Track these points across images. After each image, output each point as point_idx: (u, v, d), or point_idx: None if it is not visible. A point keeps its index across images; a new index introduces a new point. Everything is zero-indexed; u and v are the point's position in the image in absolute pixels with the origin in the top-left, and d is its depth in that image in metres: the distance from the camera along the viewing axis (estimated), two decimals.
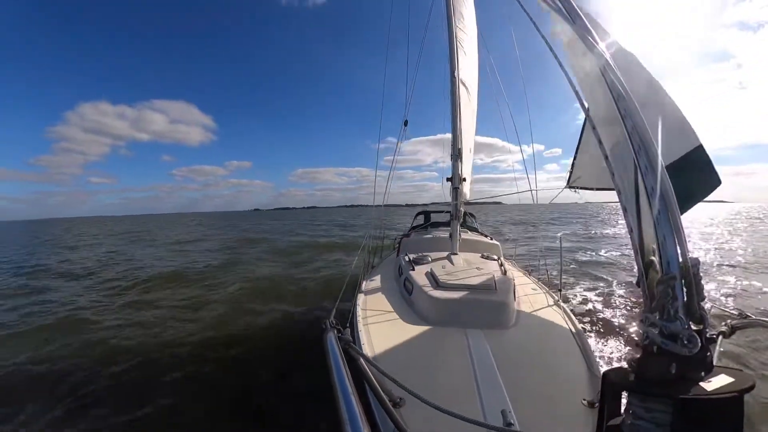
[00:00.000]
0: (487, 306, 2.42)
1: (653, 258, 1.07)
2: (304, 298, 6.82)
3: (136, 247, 18.41)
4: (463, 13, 5.11)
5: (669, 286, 0.98)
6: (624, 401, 1.03)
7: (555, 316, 2.63)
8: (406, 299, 2.85)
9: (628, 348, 3.97)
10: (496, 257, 3.77)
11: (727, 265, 9.20)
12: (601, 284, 7.30)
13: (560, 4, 1.42)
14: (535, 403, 1.61)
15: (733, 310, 1.76)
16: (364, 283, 3.47)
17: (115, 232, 34.58)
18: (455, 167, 4.32)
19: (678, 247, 1.01)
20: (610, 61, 1.21)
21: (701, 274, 1.01)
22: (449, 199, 4.38)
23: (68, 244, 20.77)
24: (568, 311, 2.68)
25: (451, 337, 2.18)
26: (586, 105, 1.31)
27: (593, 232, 19.25)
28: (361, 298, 2.94)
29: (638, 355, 1.02)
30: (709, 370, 0.95)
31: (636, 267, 1.12)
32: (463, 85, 4.59)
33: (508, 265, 3.44)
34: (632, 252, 1.14)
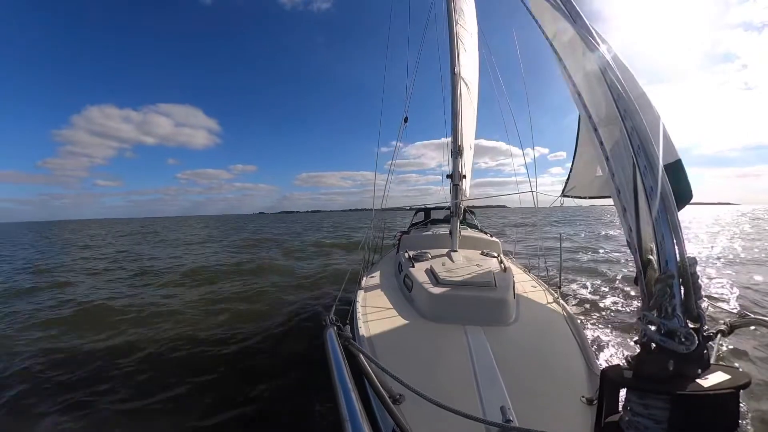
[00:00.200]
0: (487, 303, 2.43)
1: (651, 257, 1.08)
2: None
3: (163, 247, 18.80)
4: (464, 9, 5.10)
5: (667, 284, 0.99)
6: (622, 398, 1.04)
7: (554, 313, 2.65)
8: (406, 296, 2.86)
9: (626, 345, 4.00)
10: (495, 254, 3.77)
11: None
12: (601, 282, 7.32)
13: (561, 3, 1.42)
14: (534, 400, 1.62)
15: (732, 309, 1.78)
16: (364, 279, 3.49)
17: (127, 232, 35.69)
18: (455, 164, 4.32)
19: (676, 246, 1.02)
20: (611, 61, 1.22)
21: (698, 273, 1.03)
22: (450, 199, 4.38)
23: (104, 246, 20.29)
24: (568, 308, 2.70)
25: (451, 334, 2.19)
26: (587, 105, 1.31)
27: (598, 233, 19.37)
28: (361, 294, 2.96)
29: (636, 353, 1.03)
30: (706, 368, 0.96)
31: (635, 265, 1.13)
32: (463, 81, 4.58)
33: (507, 262, 3.45)
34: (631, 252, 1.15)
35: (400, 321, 2.44)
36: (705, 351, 0.97)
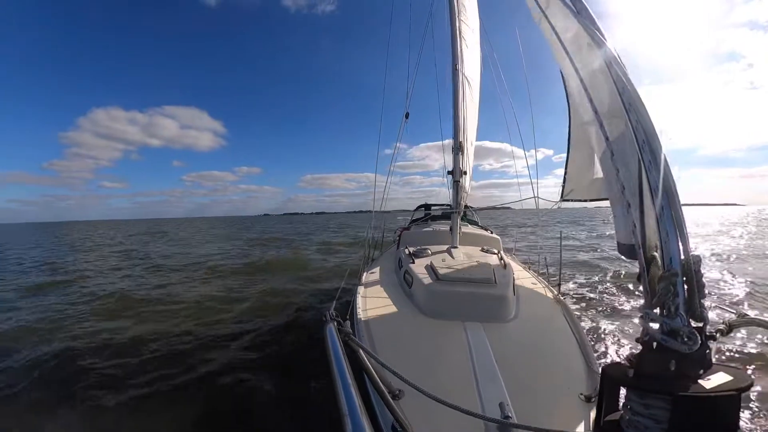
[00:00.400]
0: (487, 299, 2.42)
1: (655, 254, 1.06)
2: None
3: (182, 246, 19.91)
4: (466, 5, 5.05)
5: (670, 282, 0.97)
6: (622, 396, 1.03)
7: (554, 310, 2.64)
8: (406, 292, 2.85)
9: (627, 343, 3.99)
10: (496, 251, 3.76)
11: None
12: (601, 279, 7.32)
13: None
14: (533, 397, 1.62)
15: (731, 309, 1.77)
16: (365, 275, 3.48)
17: (142, 232, 37.16)
18: (456, 160, 4.29)
19: (680, 244, 1.00)
20: (617, 56, 1.20)
21: (702, 272, 1.01)
22: (453, 198, 4.35)
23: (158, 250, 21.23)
24: (567, 306, 2.69)
25: (451, 330, 2.18)
26: (593, 99, 1.29)
27: (602, 233, 19.44)
28: (361, 290, 2.95)
29: (638, 351, 1.02)
30: (708, 368, 0.94)
31: (638, 262, 1.12)
32: (465, 77, 4.54)
33: (507, 259, 3.44)
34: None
35: (400, 317, 2.43)
36: (707, 351, 0.96)
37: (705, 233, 18.73)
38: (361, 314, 2.43)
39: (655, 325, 0.99)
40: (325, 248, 15.89)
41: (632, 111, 1.11)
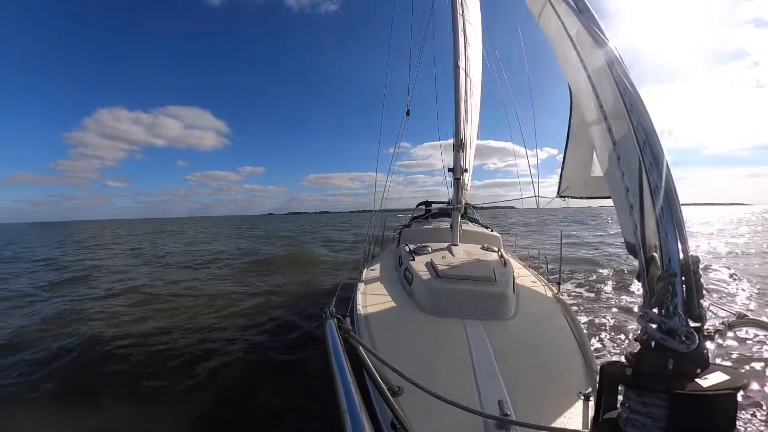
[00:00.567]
0: (487, 297, 2.43)
1: (654, 254, 1.06)
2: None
3: (195, 243, 21.18)
4: (467, 2, 5.01)
5: (669, 282, 0.97)
6: (620, 395, 1.04)
7: (554, 308, 2.65)
8: (406, 289, 2.86)
9: (625, 342, 4.01)
10: (496, 249, 3.76)
11: None
12: (600, 278, 7.32)
13: None
14: (532, 394, 1.63)
15: (731, 309, 1.77)
16: (365, 272, 3.48)
17: (150, 231, 38.39)
18: (457, 158, 4.29)
19: (679, 244, 1.01)
20: (618, 56, 1.19)
21: (701, 272, 1.01)
22: (455, 198, 4.34)
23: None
24: (567, 304, 2.69)
25: (450, 328, 2.19)
26: (599, 96, 1.29)
27: (605, 232, 19.51)
28: (361, 287, 2.96)
29: (636, 350, 1.02)
30: (705, 367, 0.95)
31: (638, 262, 1.12)
32: (466, 75, 4.52)
33: (508, 257, 3.44)
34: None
35: (400, 314, 2.44)
36: (705, 351, 0.96)
37: (708, 232, 19.24)
38: (361, 311, 2.44)
39: (654, 325, 0.99)
40: (331, 245, 17.09)
41: (634, 112, 1.11)
